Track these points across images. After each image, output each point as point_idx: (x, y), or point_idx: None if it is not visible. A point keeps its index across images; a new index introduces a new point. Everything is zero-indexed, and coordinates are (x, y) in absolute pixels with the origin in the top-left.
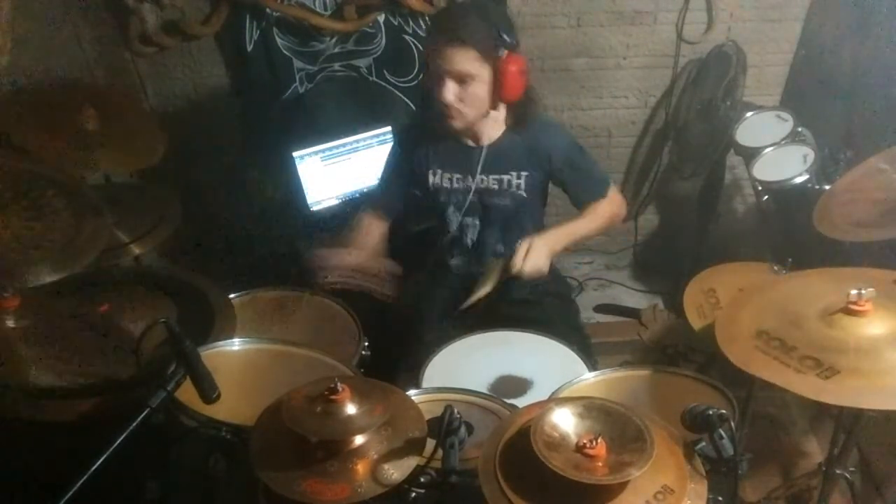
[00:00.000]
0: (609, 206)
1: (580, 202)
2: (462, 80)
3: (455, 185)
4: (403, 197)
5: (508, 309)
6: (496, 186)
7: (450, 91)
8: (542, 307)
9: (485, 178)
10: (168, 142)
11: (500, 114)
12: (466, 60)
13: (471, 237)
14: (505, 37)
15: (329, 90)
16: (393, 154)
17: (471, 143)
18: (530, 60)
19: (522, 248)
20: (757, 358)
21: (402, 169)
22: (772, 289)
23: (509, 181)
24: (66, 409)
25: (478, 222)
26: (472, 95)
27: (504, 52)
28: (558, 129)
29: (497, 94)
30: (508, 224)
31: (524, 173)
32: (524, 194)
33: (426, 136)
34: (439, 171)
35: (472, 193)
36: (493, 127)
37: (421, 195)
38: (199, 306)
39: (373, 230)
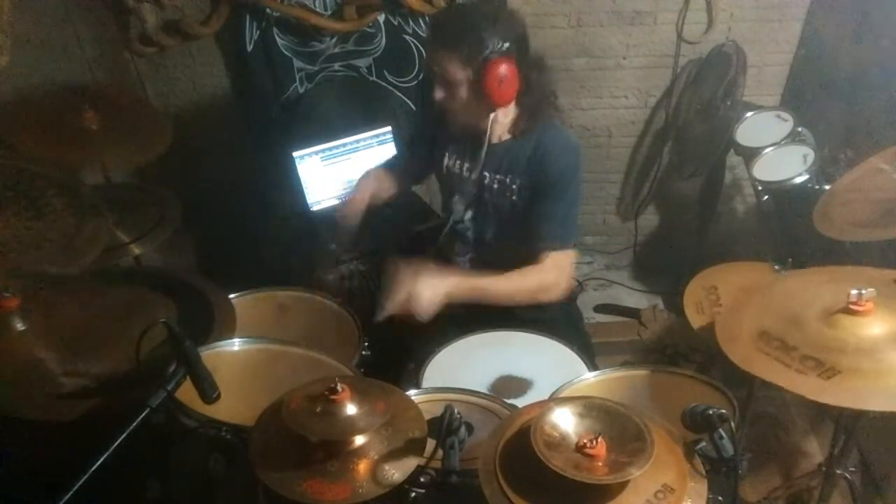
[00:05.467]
0: (541, 273)
1: (528, 242)
2: (447, 83)
3: (464, 174)
4: (415, 170)
5: (511, 309)
6: (497, 186)
7: (437, 92)
8: (544, 308)
9: (489, 174)
10: (171, 135)
11: (509, 116)
12: (448, 65)
13: (472, 232)
14: (487, 42)
15: (329, 90)
16: (418, 127)
17: (474, 134)
18: None
19: (403, 287)
20: (758, 358)
21: (422, 140)
22: (772, 289)
23: (508, 184)
24: (66, 409)
25: (479, 216)
26: (457, 99)
27: (485, 58)
28: (566, 148)
29: (485, 98)
30: (505, 225)
31: (518, 181)
32: (517, 200)
33: (448, 123)
34: (453, 157)
35: (475, 186)
36: (500, 127)
37: (436, 176)
38: (199, 306)
39: (374, 182)
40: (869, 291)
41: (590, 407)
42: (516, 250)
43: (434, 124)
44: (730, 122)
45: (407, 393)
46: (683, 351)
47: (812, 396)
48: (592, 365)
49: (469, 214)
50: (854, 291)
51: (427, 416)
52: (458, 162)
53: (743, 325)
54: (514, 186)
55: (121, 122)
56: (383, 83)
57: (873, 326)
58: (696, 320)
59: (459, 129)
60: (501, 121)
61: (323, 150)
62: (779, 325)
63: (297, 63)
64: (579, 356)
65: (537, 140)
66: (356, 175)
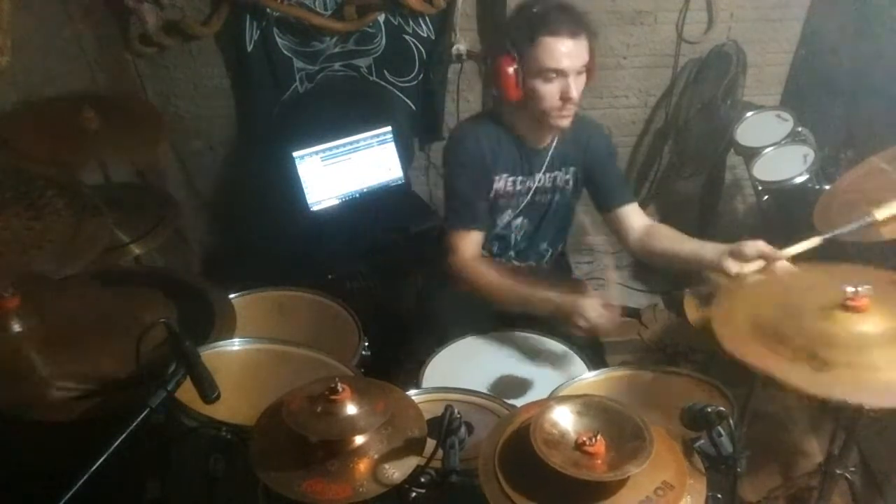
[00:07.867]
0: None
1: (609, 204)
2: (580, 72)
3: (518, 188)
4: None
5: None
6: (550, 184)
7: (575, 87)
8: None
9: (541, 176)
10: (170, 135)
11: None
12: (585, 51)
13: (516, 236)
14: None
15: (329, 90)
16: (468, 171)
17: (534, 142)
18: None
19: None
20: (751, 346)
21: (482, 182)
22: (770, 283)
23: (560, 177)
24: (66, 409)
25: (526, 221)
26: (582, 86)
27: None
28: (597, 125)
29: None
30: (555, 222)
31: (572, 168)
32: (568, 188)
33: (488, 142)
34: (504, 176)
35: (530, 194)
36: None
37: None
38: (199, 306)
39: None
40: (865, 288)
41: (589, 405)
42: (552, 241)
43: (478, 157)
44: (730, 122)
45: (407, 393)
46: (683, 351)
47: (803, 386)
48: (598, 359)
49: (517, 221)
50: (850, 288)
51: (427, 416)
52: (509, 179)
53: (739, 316)
54: (566, 177)
55: (121, 122)
56: (383, 83)
57: (868, 323)
58: (696, 320)
59: (555, 132)
60: None
61: (323, 150)
62: (775, 315)
63: (298, 63)
64: (579, 356)
65: (573, 128)
66: (356, 175)
